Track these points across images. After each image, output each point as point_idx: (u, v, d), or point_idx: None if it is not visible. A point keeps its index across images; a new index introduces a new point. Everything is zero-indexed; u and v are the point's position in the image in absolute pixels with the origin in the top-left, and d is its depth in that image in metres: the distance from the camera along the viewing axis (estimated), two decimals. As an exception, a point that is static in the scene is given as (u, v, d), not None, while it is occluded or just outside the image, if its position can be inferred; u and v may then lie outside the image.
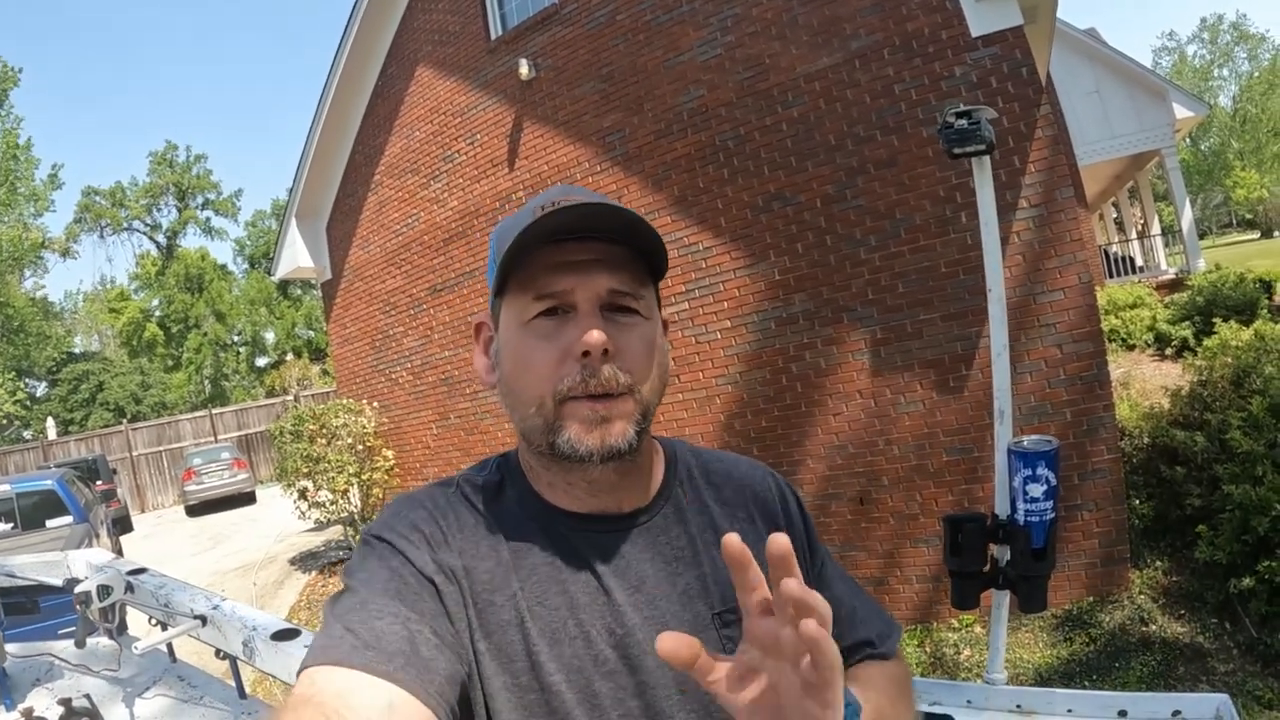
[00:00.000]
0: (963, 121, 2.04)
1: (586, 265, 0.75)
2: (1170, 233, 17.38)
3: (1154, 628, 4.24)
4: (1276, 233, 37.28)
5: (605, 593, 0.77)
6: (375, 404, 9.03)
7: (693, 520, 0.85)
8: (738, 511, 0.89)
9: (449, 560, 0.75)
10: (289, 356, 34.71)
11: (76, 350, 36.08)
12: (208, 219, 38.24)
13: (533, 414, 0.76)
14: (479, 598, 0.74)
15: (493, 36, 7.36)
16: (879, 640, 0.91)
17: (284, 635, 1.75)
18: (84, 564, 2.50)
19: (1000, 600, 2.12)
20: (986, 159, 2.15)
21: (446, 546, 0.76)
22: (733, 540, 0.55)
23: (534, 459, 0.81)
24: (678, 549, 0.83)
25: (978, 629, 4.73)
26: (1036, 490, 1.86)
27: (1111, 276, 13.63)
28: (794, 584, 0.52)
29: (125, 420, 23.54)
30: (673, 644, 0.55)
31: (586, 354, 0.73)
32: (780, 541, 0.52)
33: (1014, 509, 1.96)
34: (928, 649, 4.75)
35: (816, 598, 0.52)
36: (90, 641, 2.23)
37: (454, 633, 0.71)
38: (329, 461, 8.40)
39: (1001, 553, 2.05)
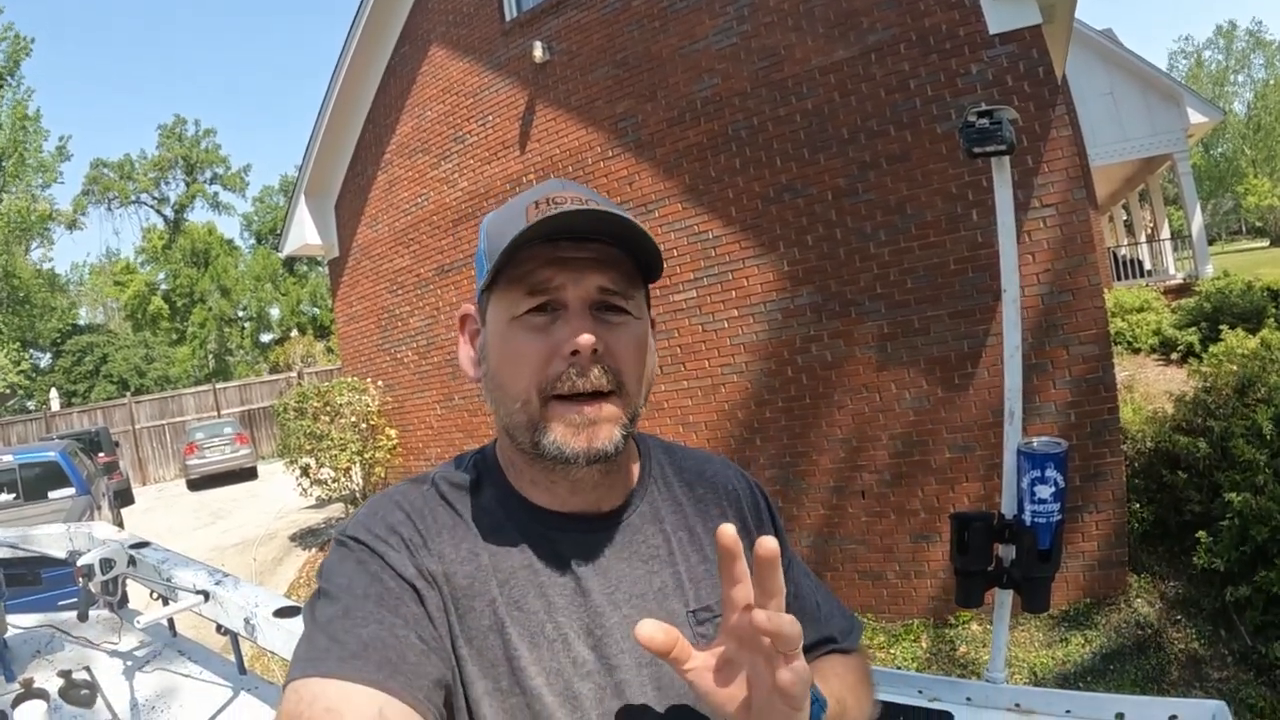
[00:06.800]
0: (984, 121, 2.02)
1: (579, 263, 0.74)
2: (1179, 237, 17.32)
3: (1150, 632, 4.24)
4: (1286, 240, 37.11)
5: (583, 594, 0.77)
6: (379, 383, 9.05)
7: (667, 518, 0.86)
8: (710, 509, 0.89)
9: (429, 565, 0.75)
10: (293, 333, 34.76)
11: (81, 322, 36.14)
12: (215, 194, 38.35)
13: (518, 409, 0.76)
14: (459, 603, 0.74)
15: (507, 18, 7.32)
16: (841, 636, 0.93)
17: (286, 612, 1.75)
18: (87, 536, 2.52)
19: (1003, 600, 2.12)
20: (1006, 160, 2.13)
21: (426, 551, 0.75)
22: (727, 531, 0.57)
23: (516, 455, 0.81)
24: (653, 548, 0.83)
25: (974, 626, 4.73)
26: (1044, 492, 1.86)
27: (1119, 279, 13.59)
28: (762, 616, 0.55)
29: (128, 393, 23.61)
30: (650, 631, 0.57)
31: (575, 353, 0.72)
32: (769, 545, 0.55)
33: (1021, 509, 1.96)
34: (924, 644, 4.77)
35: (787, 627, 0.55)
36: (91, 614, 2.24)
37: (437, 636, 0.71)
38: (332, 439, 8.43)
39: (1007, 552, 2.05)
